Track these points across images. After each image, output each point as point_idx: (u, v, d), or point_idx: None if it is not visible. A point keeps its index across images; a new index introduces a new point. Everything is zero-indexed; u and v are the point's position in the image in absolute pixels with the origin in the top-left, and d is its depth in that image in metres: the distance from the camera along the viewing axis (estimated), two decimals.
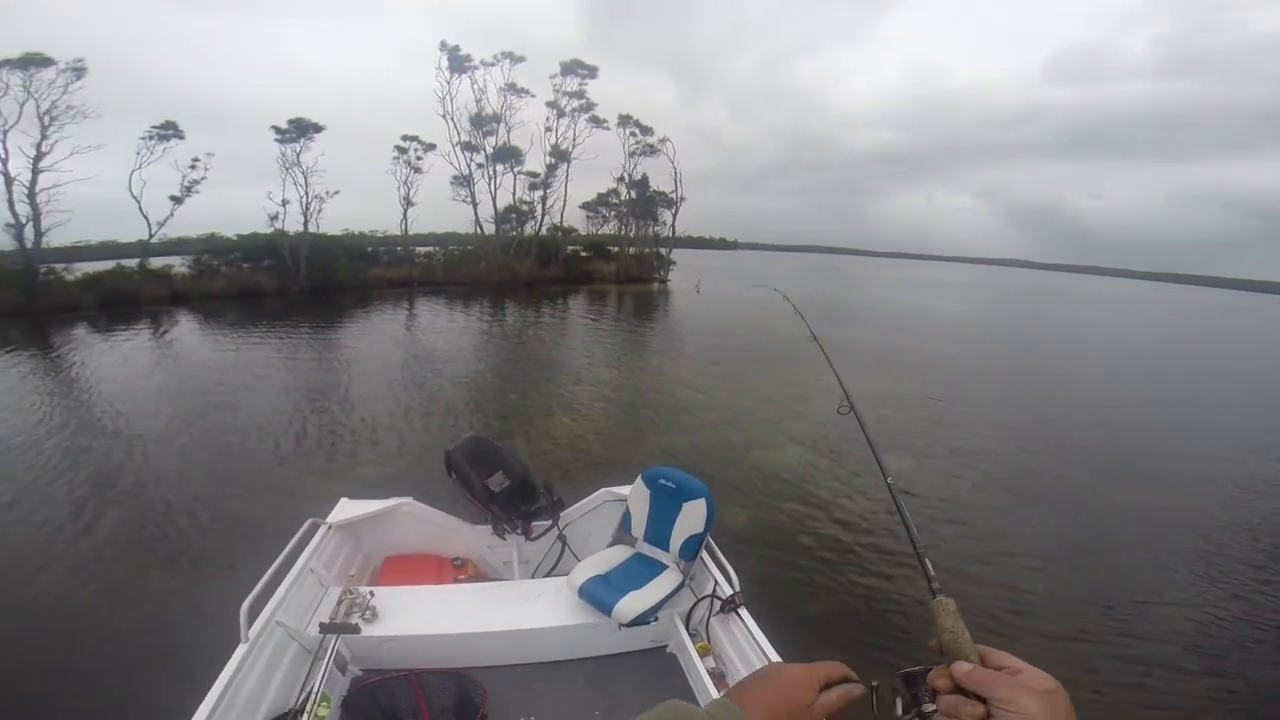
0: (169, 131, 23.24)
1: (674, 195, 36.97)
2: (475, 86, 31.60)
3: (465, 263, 33.52)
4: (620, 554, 3.16)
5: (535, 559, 3.61)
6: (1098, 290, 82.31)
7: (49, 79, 19.40)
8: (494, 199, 33.53)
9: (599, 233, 39.97)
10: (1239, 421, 11.90)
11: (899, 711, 0.64)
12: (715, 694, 2.41)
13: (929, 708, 0.62)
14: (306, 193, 26.82)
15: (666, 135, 36.37)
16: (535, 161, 34.45)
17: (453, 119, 31.49)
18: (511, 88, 31.97)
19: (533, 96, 32.83)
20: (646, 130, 35.98)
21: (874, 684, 0.69)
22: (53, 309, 17.75)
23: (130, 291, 20.32)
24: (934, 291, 48.04)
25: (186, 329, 17.54)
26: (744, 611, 2.69)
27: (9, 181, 18.44)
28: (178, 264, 23.92)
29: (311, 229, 27.35)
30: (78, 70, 20.03)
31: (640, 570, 3.04)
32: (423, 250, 34.38)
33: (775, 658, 2.38)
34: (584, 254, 37.70)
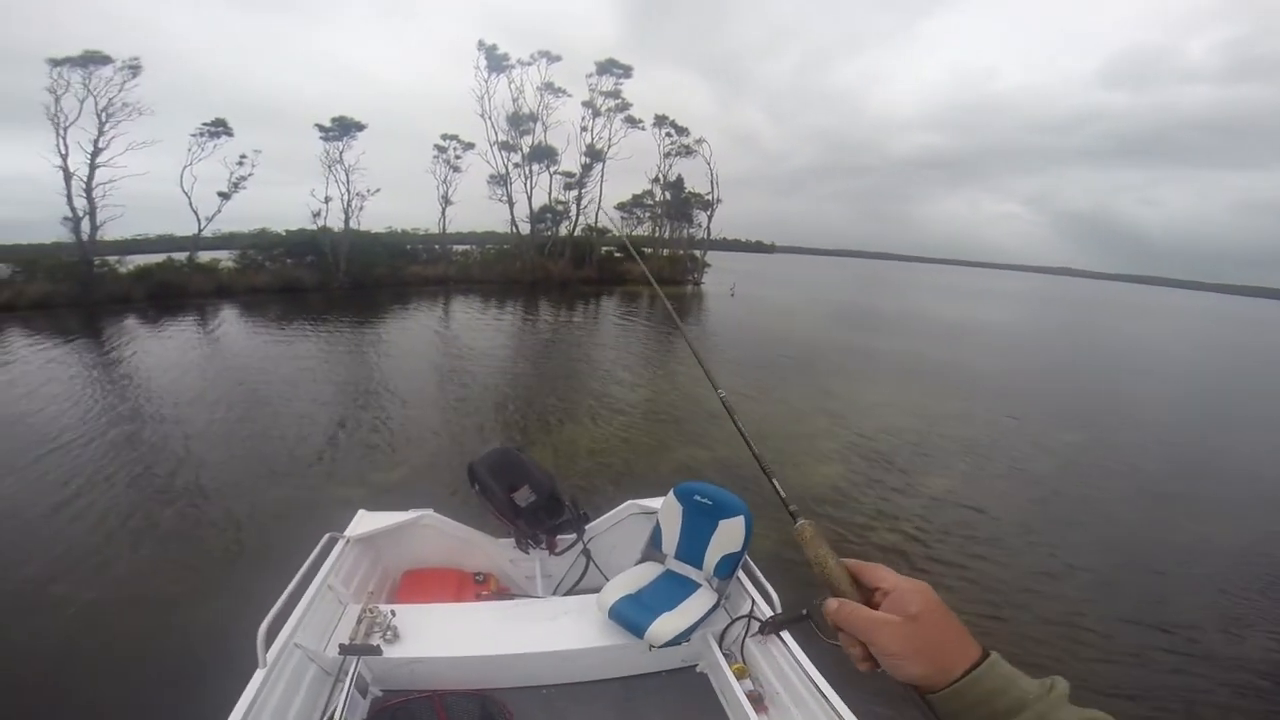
0: (219, 129, 24.06)
1: (710, 197, 36.66)
2: (513, 86, 32.03)
3: (500, 261, 33.85)
4: (651, 571, 2.97)
5: (559, 574, 3.45)
6: (1157, 301, 78.48)
7: (107, 76, 20.20)
8: (529, 198, 33.92)
9: (633, 234, 39.92)
10: None
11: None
12: (754, 717, 2.31)
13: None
14: (348, 190, 27.45)
15: (703, 136, 36.09)
16: (571, 162, 34.68)
17: (490, 118, 31.91)
18: (548, 87, 32.25)
19: (569, 96, 33.07)
20: (682, 131, 35.84)
21: (804, 611, 0.75)
22: (105, 300, 18.45)
23: (178, 284, 21.07)
24: (980, 300, 46.44)
25: (231, 322, 18.05)
26: (786, 634, 2.55)
27: (68, 177, 19.18)
28: (224, 258, 24.66)
29: (352, 226, 27.95)
30: (134, 68, 20.84)
31: (673, 589, 2.85)
32: (459, 248, 34.86)
33: (820, 681, 2.26)
34: (618, 255, 37.68)
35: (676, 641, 2.58)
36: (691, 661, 2.83)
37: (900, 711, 0.62)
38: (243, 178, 24.66)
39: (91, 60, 20.07)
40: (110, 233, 20.67)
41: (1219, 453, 10.34)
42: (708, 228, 37.76)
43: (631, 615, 2.63)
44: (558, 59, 31.92)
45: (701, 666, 2.82)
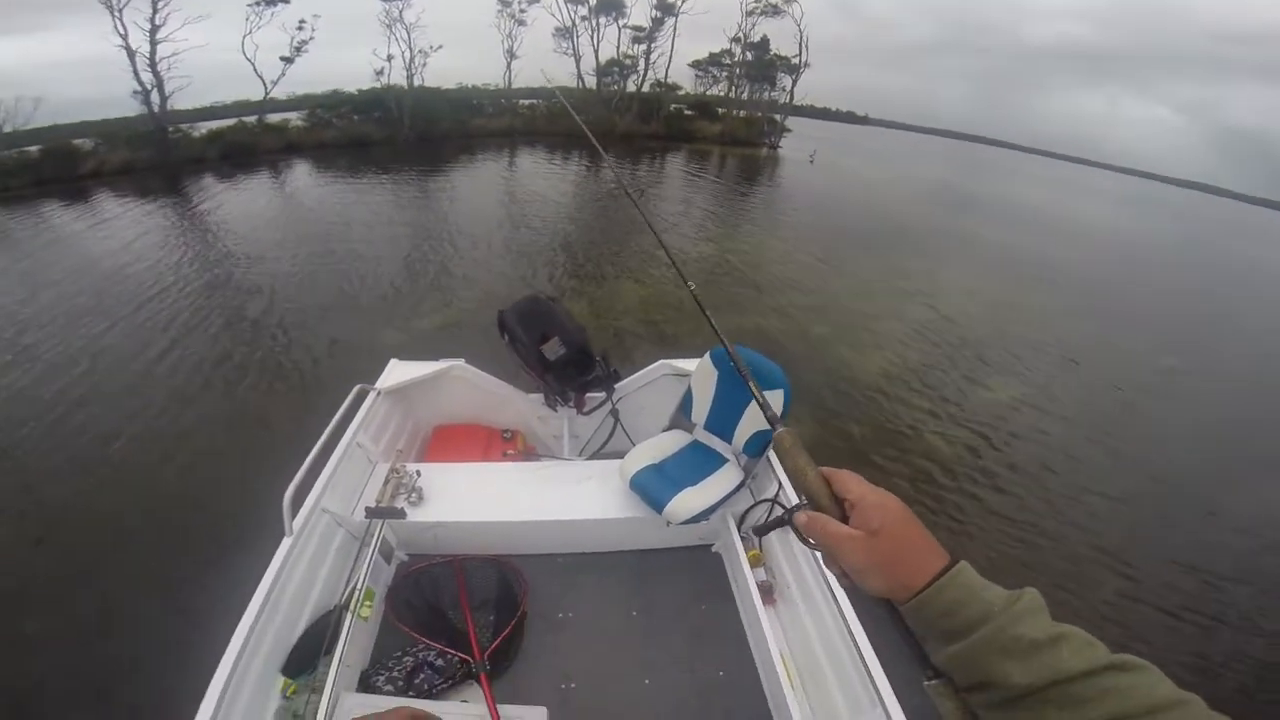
0: None
1: (796, 60, 32.50)
2: None
3: (565, 115, 32.16)
4: (677, 440, 2.83)
5: (586, 434, 3.38)
6: None
7: None
8: (596, 52, 31.82)
9: (707, 94, 36.84)
10: None
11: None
12: (761, 608, 2.24)
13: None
14: (410, 48, 26.91)
15: None
16: (641, 16, 32.33)
17: None
18: None
19: None
20: None
21: (785, 516, 0.69)
22: (182, 161, 19.36)
23: (249, 144, 21.68)
24: (1100, 200, 39.96)
25: (303, 175, 18.57)
26: None
27: (131, 55, 19.62)
28: (294, 119, 24.93)
29: (416, 83, 27.46)
30: None
31: (697, 462, 2.70)
32: (525, 102, 33.42)
33: (834, 583, 2.04)
34: (688, 113, 34.91)
35: (695, 520, 2.47)
36: (708, 540, 2.76)
37: None
38: (304, 42, 24.77)
39: None
40: (182, 102, 21.54)
41: None
42: (790, 91, 33.94)
43: (652, 489, 2.52)
44: None
45: (717, 547, 2.76)
